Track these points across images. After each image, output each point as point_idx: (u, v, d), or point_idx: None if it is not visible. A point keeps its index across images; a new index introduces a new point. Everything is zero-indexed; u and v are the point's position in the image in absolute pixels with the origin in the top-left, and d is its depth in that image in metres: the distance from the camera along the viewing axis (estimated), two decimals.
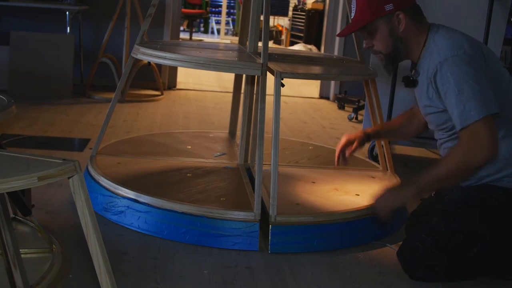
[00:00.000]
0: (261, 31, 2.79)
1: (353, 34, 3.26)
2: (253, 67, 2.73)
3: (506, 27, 4.22)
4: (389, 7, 2.35)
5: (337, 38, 6.84)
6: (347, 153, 2.86)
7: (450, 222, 2.36)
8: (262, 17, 2.84)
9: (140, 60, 2.96)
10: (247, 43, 3.24)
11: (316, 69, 3.13)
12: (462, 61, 2.25)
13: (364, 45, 2.53)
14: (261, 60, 2.72)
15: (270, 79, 2.67)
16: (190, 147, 3.60)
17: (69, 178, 1.46)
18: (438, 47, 2.34)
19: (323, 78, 3.37)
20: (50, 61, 5.54)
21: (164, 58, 2.81)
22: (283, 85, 2.65)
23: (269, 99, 2.59)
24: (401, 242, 2.56)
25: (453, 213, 2.39)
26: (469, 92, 2.21)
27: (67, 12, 5.76)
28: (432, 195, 2.82)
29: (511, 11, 4.57)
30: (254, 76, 3.25)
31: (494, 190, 2.37)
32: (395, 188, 2.55)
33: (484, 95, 2.21)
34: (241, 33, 3.71)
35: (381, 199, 2.49)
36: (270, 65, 2.78)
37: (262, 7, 2.91)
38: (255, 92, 3.32)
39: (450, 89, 2.26)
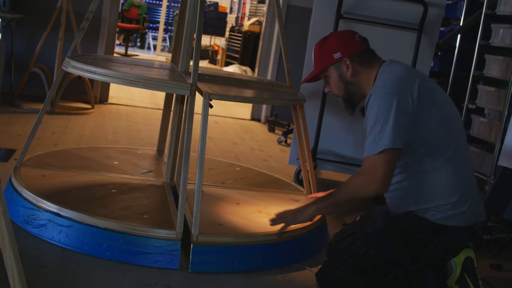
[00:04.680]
0: (193, 50, 2.82)
1: (284, 63, 3.37)
2: (182, 86, 2.75)
3: (434, 60, 4.37)
4: (337, 55, 2.60)
5: (271, 62, 6.93)
6: None
7: (372, 247, 2.42)
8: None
9: (71, 73, 2.96)
10: (179, 62, 3.26)
11: (246, 92, 3.18)
12: (387, 94, 2.38)
13: (325, 90, 2.75)
14: (191, 80, 2.75)
15: (200, 99, 2.70)
16: (117, 162, 3.59)
17: None
18: (378, 81, 2.47)
19: (251, 101, 3.43)
20: None
21: (95, 73, 2.81)
22: (211, 106, 2.69)
23: (198, 118, 2.62)
24: (321, 266, 2.61)
25: (375, 238, 2.46)
26: (381, 125, 2.34)
27: (0, 19, 5.66)
28: (356, 219, 2.90)
29: (437, 45, 4.74)
30: (184, 95, 3.28)
31: (418, 221, 2.45)
32: (298, 208, 2.69)
33: (393, 131, 2.33)
34: (174, 51, 3.73)
35: (284, 215, 2.69)
36: (200, 85, 2.81)
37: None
38: (184, 111, 3.34)
39: (369, 118, 2.41)
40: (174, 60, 3.71)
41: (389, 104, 2.34)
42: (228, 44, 13.24)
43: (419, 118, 2.38)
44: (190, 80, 2.76)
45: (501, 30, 4.89)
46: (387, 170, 2.35)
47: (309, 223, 2.85)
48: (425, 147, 2.41)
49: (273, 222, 2.71)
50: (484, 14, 5.03)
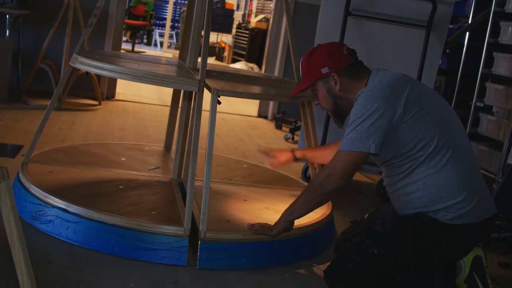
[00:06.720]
0: (201, 47, 2.81)
1: (292, 60, 3.36)
2: (190, 83, 2.75)
3: (442, 58, 4.35)
4: (325, 70, 2.55)
5: (278, 58, 6.92)
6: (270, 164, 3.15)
7: (382, 247, 2.40)
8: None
9: (78, 69, 2.96)
10: (187, 59, 3.25)
11: (253, 89, 3.17)
12: (372, 97, 2.38)
13: (313, 103, 2.72)
14: (199, 77, 2.74)
15: (208, 95, 2.69)
16: (124, 159, 3.59)
17: None
18: (368, 85, 2.48)
19: (259, 97, 3.42)
20: None
21: (102, 68, 2.81)
22: (219, 102, 2.68)
23: (206, 115, 2.61)
24: (328, 263, 2.59)
25: (386, 239, 2.43)
26: (357, 125, 2.36)
27: (7, 16, 5.67)
28: (365, 217, 2.88)
29: (446, 42, 4.72)
30: (192, 91, 3.27)
31: (428, 222, 2.43)
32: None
33: (367, 133, 2.34)
34: (182, 48, 3.72)
35: (265, 226, 2.71)
36: (208, 82, 2.80)
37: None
38: (191, 107, 3.33)
39: (351, 114, 2.43)
40: (181, 56, 3.71)
41: (371, 107, 2.35)
42: (235, 41, 13.22)
43: (410, 124, 2.37)
44: (198, 77, 2.76)
45: (510, 28, 4.87)
46: (348, 168, 2.39)
47: (311, 222, 2.84)
48: (423, 150, 2.38)
49: (254, 231, 2.70)
50: (493, 11, 5.01)
